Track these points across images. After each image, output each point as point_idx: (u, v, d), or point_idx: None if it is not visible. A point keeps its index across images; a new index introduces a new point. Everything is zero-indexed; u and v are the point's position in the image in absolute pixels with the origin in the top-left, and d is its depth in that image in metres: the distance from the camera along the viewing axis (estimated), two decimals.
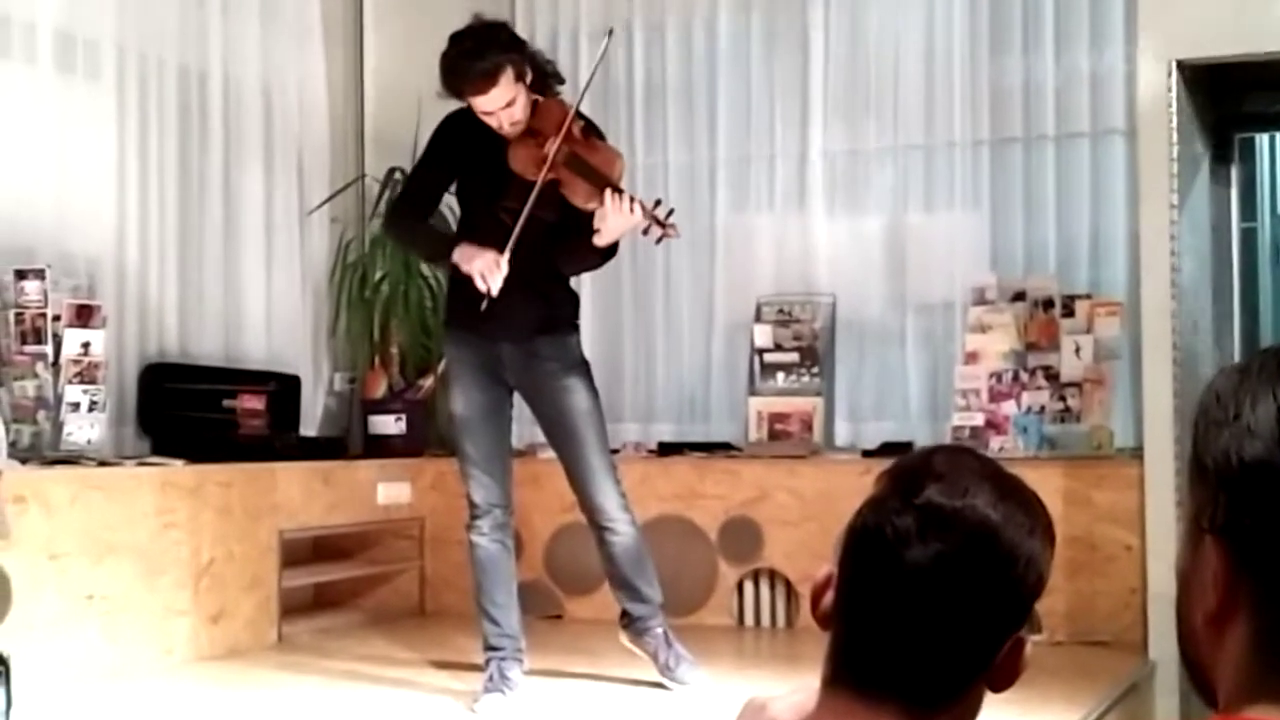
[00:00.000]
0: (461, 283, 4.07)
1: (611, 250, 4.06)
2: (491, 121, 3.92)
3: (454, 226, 4.44)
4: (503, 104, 3.88)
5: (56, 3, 4.79)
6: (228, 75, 5.50)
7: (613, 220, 3.88)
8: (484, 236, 3.96)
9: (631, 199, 3.89)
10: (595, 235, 3.96)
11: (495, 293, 3.87)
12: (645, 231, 4.01)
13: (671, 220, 3.99)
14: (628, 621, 4.18)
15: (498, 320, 4.00)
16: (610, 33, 4.33)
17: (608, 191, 3.88)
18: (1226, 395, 0.94)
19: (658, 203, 4.03)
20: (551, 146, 3.91)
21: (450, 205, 4.41)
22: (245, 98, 5.58)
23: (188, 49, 5.34)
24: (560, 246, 4.06)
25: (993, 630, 1.29)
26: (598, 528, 4.12)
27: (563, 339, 4.13)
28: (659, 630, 4.14)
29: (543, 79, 4.03)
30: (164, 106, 5.22)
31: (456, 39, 3.92)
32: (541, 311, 4.07)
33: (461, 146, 4.04)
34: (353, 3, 6.20)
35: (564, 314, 4.17)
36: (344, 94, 6.13)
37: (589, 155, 3.98)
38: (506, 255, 3.87)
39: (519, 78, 3.89)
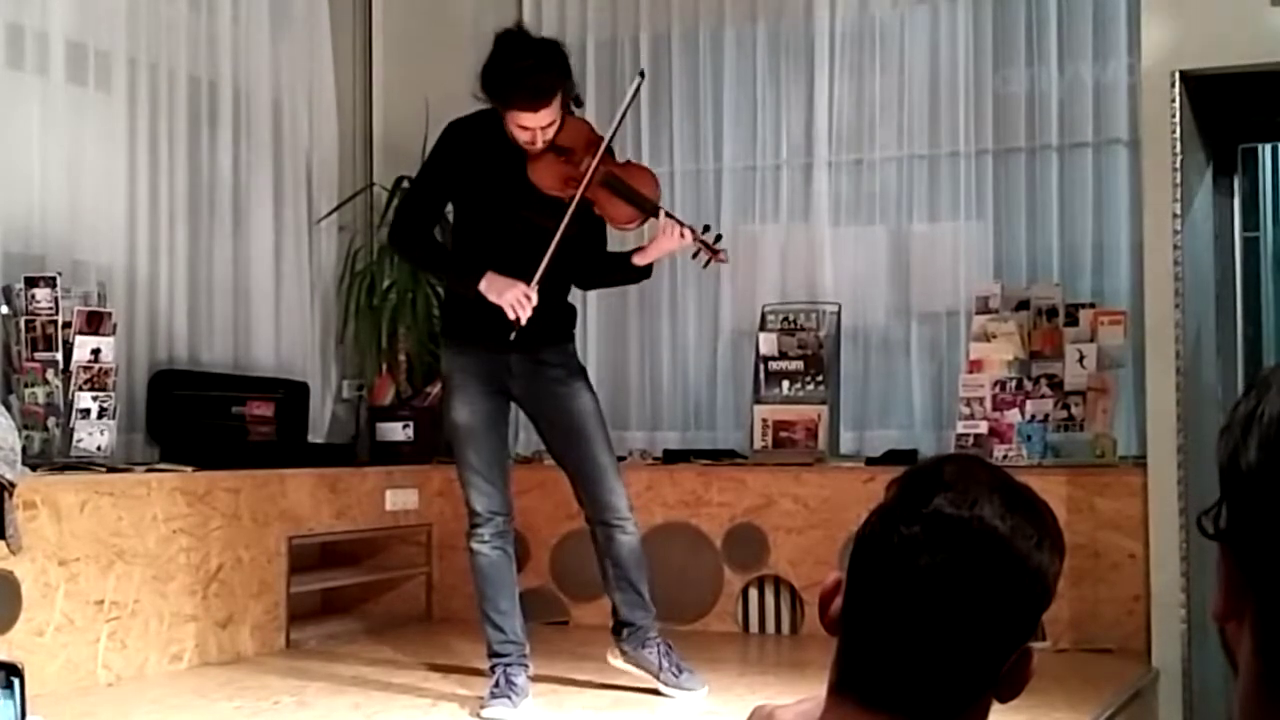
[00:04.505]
0: (459, 293, 4.10)
1: (648, 270, 4.14)
2: (523, 136, 3.90)
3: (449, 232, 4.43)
4: (546, 123, 3.88)
5: (69, 14, 4.83)
6: (237, 85, 5.53)
7: (663, 243, 3.95)
8: (489, 245, 3.98)
9: (682, 224, 3.96)
10: (637, 254, 4.04)
11: (524, 322, 3.89)
12: (695, 255, 4.06)
13: (721, 245, 4.02)
14: (629, 632, 4.14)
15: (505, 330, 4.02)
16: (642, 74, 4.39)
17: (662, 214, 3.94)
18: (1242, 402, 0.92)
19: (706, 228, 4.07)
20: (587, 165, 3.92)
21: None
22: (255, 107, 5.62)
23: (198, 59, 5.37)
24: (592, 263, 4.12)
25: (1000, 641, 1.29)
26: (606, 526, 4.11)
27: (565, 346, 4.18)
28: (659, 640, 4.14)
29: (571, 100, 4.04)
30: (174, 116, 5.25)
31: (517, 52, 3.86)
32: (547, 321, 4.08)
33: (469, 155, 4.02)
34: (362, 12, 6.23)
35: (565, 323, 4.20)
36: (353, 103, 6.16)
37: (626, 176, 4.00)
38: (535, 285, 3.88)
39: (564, 102, 3.92)
